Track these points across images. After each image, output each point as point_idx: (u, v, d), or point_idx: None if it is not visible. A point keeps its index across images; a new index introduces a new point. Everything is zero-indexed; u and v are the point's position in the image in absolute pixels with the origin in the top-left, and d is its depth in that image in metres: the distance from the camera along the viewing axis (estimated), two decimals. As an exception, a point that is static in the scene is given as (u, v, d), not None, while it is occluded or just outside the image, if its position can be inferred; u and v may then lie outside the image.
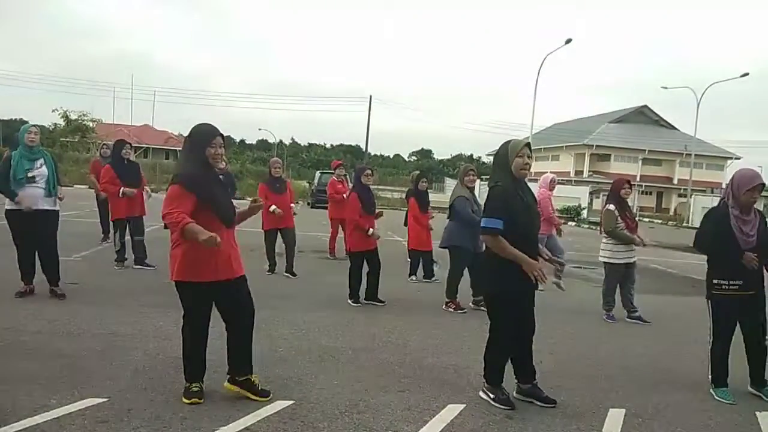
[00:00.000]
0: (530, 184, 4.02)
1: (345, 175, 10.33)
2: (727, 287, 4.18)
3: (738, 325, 4.28)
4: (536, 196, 4.28)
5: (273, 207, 7.65)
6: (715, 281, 4.25)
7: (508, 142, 3.84)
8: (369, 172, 6.69)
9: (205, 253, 3.28)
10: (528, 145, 3.78)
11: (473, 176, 6.51)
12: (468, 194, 6.41)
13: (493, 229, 3.62)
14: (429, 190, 8.61)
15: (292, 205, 8.20)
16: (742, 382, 4.33)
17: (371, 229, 6.40)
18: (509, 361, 3.86)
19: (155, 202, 7.71)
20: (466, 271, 6.56)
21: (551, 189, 8.08)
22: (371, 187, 6.81)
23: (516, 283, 3.65)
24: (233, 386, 3.57)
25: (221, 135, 3.48)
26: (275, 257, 8.15)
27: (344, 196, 9.36)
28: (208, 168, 3.44)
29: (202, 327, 3.53)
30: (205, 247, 3.19)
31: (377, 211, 6.62)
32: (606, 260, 6.59)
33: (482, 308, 6.28)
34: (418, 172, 9.60)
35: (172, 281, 3.45)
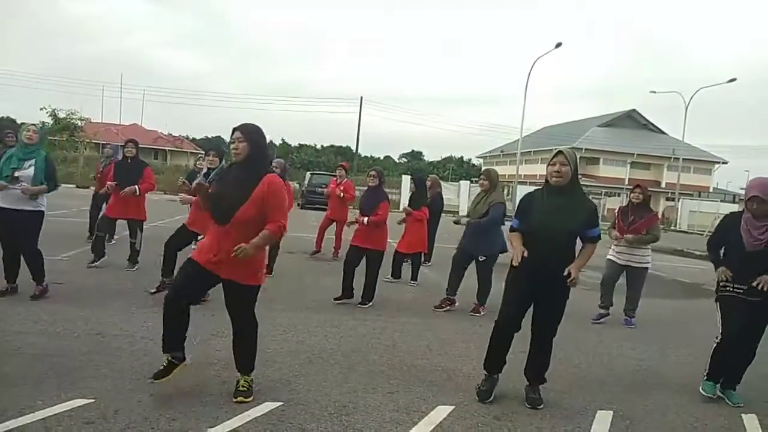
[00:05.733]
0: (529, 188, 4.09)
1: (342, 176, 10.28)
2: (731, 289, 4.23)
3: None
4: None
5: None
6: (721, 283, 4.31)
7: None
8: (372, 173, 6.85)
9: (209, 237, 3.58)
10: (560, 152, 3.83)
11: (482, 180, 6.67)
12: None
13: (511, 226, 4.07)
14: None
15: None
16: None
17: (353, 219, 6.62)
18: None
19: (156, 205, 7.70)
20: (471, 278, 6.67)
21: None
22: (380, 188, 6.80)
23: (527, 276, 3.80)
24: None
25: (236, 128, 3.57)
26: None
27: (325, 191, 10.36)
28: (232, 165, 3.62)
29: (174, 297, 3.50)
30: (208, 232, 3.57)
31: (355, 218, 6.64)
32: (607, 256, 6.87)
33: (474, 314, 6.47)
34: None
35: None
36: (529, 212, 3.88)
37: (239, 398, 3.50)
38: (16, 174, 5.37)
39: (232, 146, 3.51)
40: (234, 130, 3.54)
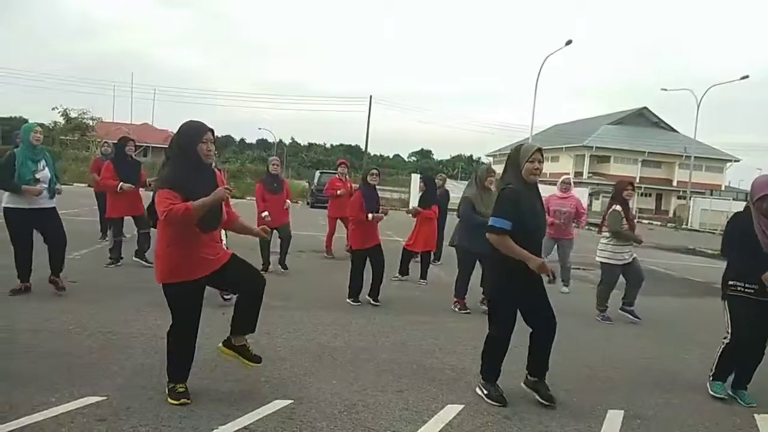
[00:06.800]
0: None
1: (345, 174, 10.33)
2: (742, 289, 4.15)
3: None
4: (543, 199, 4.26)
5: (264, 213, 7.84)
6: (731, 282, 4.23)
7: (521, 145, 3.93)
8: (375, 171, 6.79)
9: (189, 252, 3.34)
10: (539, 150, 3.81)
11: (494, 178, 6.52)
12: (473, 194, 6.45)
13: (500, 228, 3.69)
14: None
15: (287, 201, 8.26)
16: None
17: (370, 215, 6.44)
18: (528, 351, 3.94)
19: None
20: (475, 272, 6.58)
21: (563, 191, 8.07)
22: (377, 188, 6.80)
23: (518, 281, 3.71)
24: (227, 350, 3.58)
25: (211, 130, 3.46)
26: (269, 255, 8.13)
27: (339, 192, 9.65)
28: (198, 165, 3.38)
29: (191, 328, 3.50)
30: (191, 247, 3.32)
31: (382, 210, 6.64)
32: (605, 261, 6.66)
33: (484, 306, 6.41)
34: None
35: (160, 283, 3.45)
36: (521, 211, 3.68)
37: (260, 362, 3.60)
38: (37, 176, 5.51)
39: (207, 148, 3.39)
40: (208, 130, 3.42)
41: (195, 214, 3.22)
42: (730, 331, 4.26)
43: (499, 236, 3.70)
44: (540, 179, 3.87)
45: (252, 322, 3.58)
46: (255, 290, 3.54)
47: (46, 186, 5.57)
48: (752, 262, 4.06)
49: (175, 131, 3.56)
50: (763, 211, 4.04)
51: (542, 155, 3.80)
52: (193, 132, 3.40)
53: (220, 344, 3.61)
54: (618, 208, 6.52)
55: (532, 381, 3.93)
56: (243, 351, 3.58)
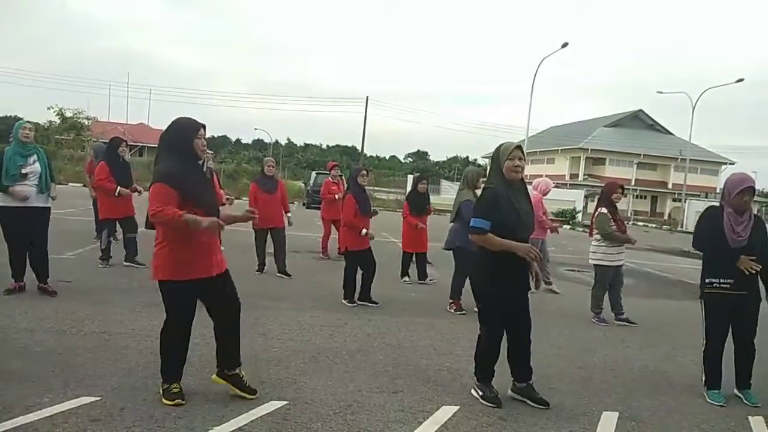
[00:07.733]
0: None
1: (340, 176, 10.33)
2: (718, 285, 4.23)
3: (730, 325, 4.31)
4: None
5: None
6: (707, 280, 4.32)
7: (502, 144, 3.92)
8: (364, 172, 6.77)
9: (188, 251, 3.33)
10: (519, 147, 3.81)
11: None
12: (473, 196, 6.44)
13: (480, 228, 3.71)
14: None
15: (288, 215, 8.18)
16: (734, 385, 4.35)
17: (365, 230, 6.43)
18: (507, 358, 3.91)
19: (144, 201, 7.70)
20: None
21: (544, 194, 8.17)
22: (366, 188, 6.85)
23: (505, 282, 3.72)
24: (221, 380, 3.58)
25: (203, 125, 3.47)
26: (265, 256, 8.11)
27: (336, 196, 9.51)
28: (194, 161, 3.42)
29: (186, 327, 3.49)
30: (191, 246, 3.29)
31: (372, 209, 6.71)
32: (597, 263, 6.68)
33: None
34: (418, 174, 9.69)
35: (156, 280, 3.43)
36: (500, 210, 3.68)
37: (255, 395, 3.54)
38: (24, 171, 5.45)
39: (202, 143, 3.42)
40: (201, 126, 3.44)
41: (183, 226, 3.21)
42: (704, 332, 4.36)
43: (480, 235, 3.72)
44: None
45: (236, 357, 3.59)
46: (231, 320, 3.55)
47: (35, 183, 5.51)
48: (724, 256, 4.17)
49: (165, 129, 3.53)
50: (742, 205, 4.13)
51: (523, 153, 3.81)
52: (187, 128, 3.41)
53: (214, 375, 3.61)
54: (604, 210, 6.57)
55: (520, 387, 3.91)
56: (237, 382, 3.57)
